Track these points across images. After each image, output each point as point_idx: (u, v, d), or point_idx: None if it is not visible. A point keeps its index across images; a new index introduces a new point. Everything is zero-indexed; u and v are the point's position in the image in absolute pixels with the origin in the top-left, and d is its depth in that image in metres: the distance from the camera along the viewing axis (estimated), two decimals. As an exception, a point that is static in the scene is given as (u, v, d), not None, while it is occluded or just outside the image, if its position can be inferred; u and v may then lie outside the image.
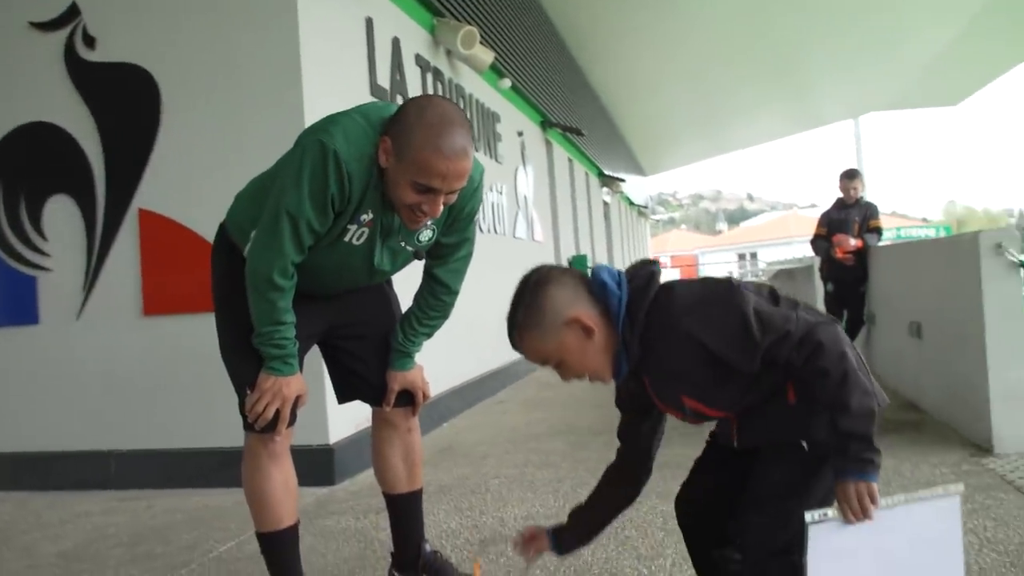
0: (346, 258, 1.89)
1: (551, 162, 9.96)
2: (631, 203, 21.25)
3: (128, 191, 3.96)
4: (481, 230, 6.25)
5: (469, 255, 2.11)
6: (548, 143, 9.87)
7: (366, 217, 1.82)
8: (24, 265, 4.14)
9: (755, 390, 1.49)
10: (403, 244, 1.93)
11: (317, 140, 1.73)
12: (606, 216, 15.67)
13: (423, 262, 2.10)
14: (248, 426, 1.94)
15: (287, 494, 1.98)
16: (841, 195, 6.05)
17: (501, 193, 7.14)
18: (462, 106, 6.16)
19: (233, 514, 3.18)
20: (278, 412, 1.90)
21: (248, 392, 1.91)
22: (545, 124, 9.58)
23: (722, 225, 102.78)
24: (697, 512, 1.71)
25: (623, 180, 15.93)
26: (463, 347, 5.53)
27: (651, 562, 2.32)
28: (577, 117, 11.29)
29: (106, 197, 4.01)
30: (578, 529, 1.78)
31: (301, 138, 1.82)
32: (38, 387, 4.10)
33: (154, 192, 3.90)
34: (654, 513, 2.74)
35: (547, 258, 8.74)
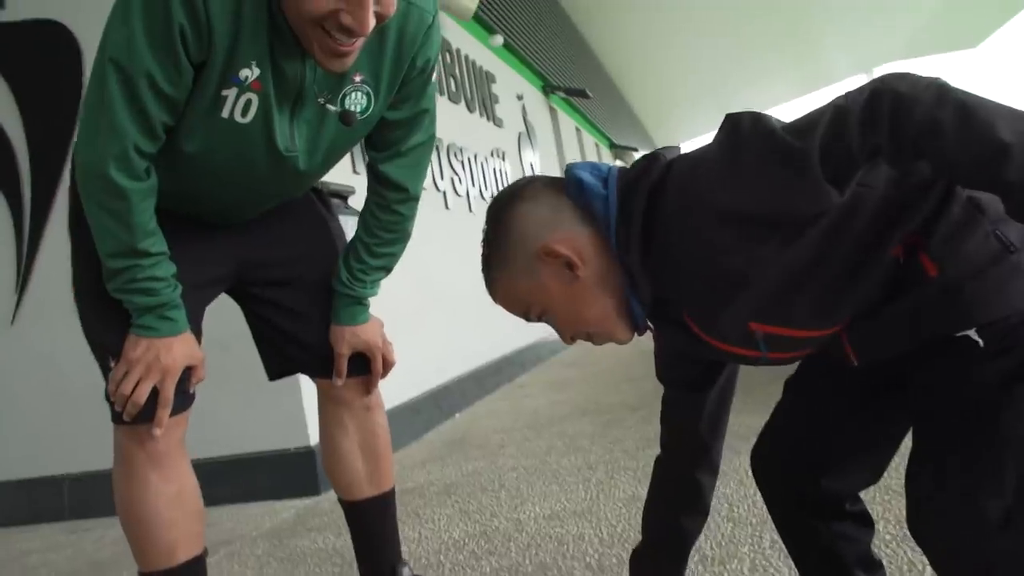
0: (236, 148, 1.24)
1: (557, 130, 9.25)
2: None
3: (56, 169, 3.37)
4: (484, 198, 5.60)
5: (431, 139, 1.44)
6: (552, 110, 9.17)
7: (248, 74, 1.16)
8: (-50, 269, 3.57)
9: (861, 272, 0.88)
10: (324, 104, 1.25)
11: None
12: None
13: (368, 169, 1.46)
14: (116, 417, 1.31)
15: (182, 512, 1.33)
16: None
17: (503, 159, 6.47)
18: (448, 61, 5.52)
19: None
20: (156, 394, 1.28)
21: (112, 365, 1.29)
22: (547, 89, 8.88)
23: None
24: (782, 466, 1.14)
25: (635, 149, 15.17)
26: (470, 328, 4.88)
27: (721, 566, 1.67)
28: (580, 82, 10.60)
29: (32, 177, 3.42)
30: None
31: None
32: (-23, 408, 3.52)
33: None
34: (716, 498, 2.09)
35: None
